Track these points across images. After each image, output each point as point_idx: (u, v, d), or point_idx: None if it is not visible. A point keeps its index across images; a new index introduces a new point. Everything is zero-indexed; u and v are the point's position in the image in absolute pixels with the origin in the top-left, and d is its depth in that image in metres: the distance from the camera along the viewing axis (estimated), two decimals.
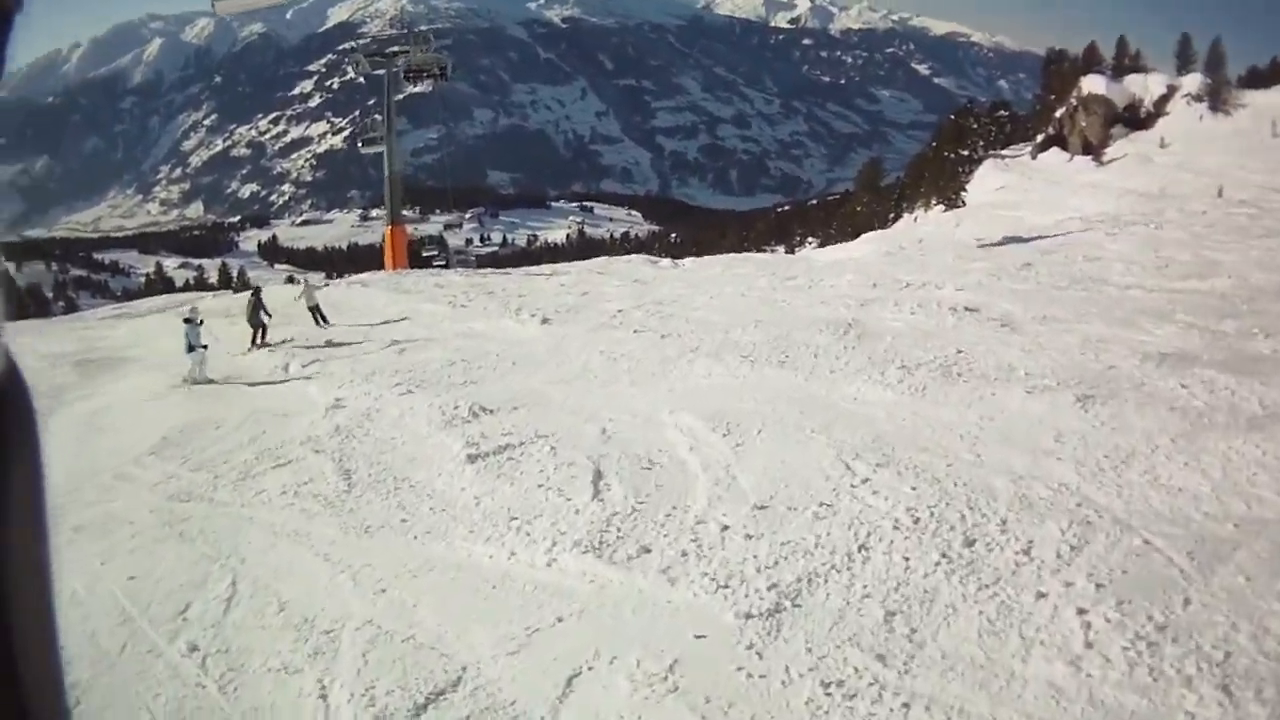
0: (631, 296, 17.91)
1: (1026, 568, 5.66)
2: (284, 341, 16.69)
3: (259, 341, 17.01)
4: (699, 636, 5.26)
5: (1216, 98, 52.35)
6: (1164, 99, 54.34)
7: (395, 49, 39.07)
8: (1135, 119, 52.39)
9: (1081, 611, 5.08)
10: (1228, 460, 7.06)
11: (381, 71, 38.12)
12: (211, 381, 14.13)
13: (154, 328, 19.43)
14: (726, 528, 6.66)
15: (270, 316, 17.50)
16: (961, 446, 7.93)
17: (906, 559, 5.85)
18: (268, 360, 15.34)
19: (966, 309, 13.14)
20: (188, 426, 11.03)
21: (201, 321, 14.77)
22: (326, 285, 24.77)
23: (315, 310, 18.73)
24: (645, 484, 7.86)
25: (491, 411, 10.73)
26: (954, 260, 17.40)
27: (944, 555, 5.83)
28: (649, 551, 6.40)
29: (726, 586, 5.74)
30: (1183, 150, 46.58)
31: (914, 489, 6.99)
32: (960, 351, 10.98)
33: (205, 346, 14.53)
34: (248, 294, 18.69)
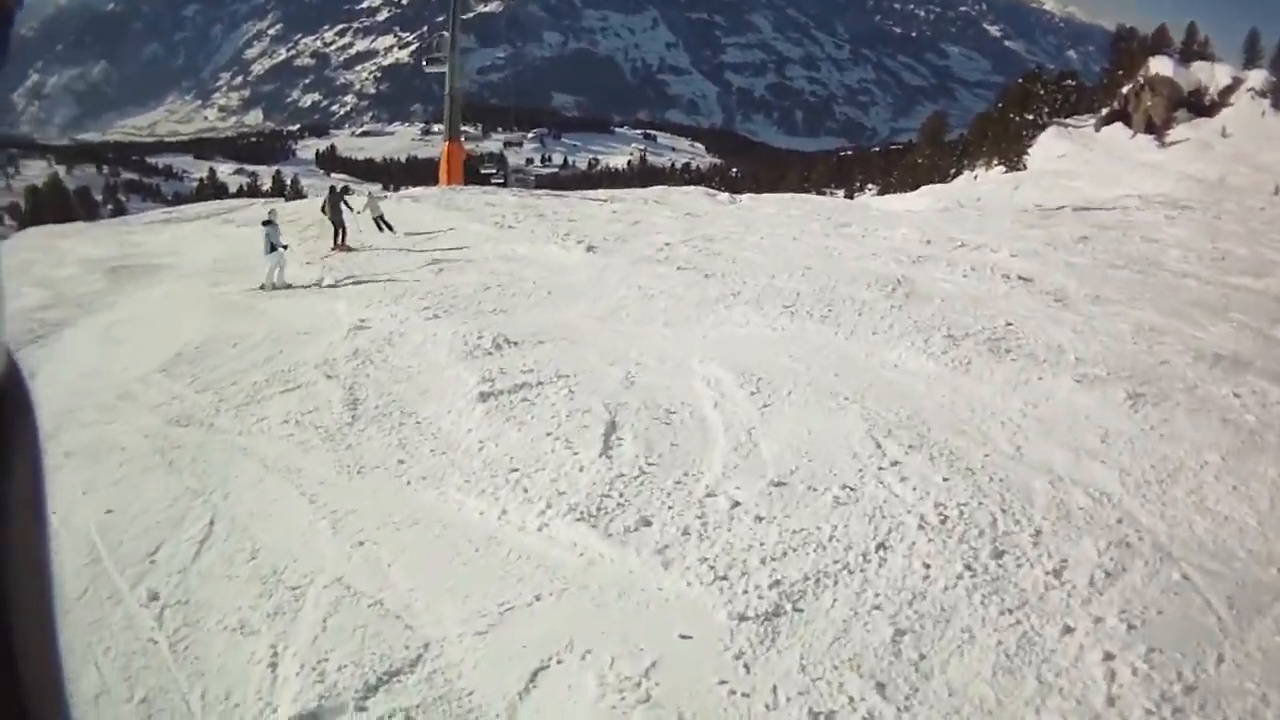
0: (682, 230, 16.97)
1: (1056, 593, 4.78)
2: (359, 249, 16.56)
3: (340, 243, 17.00)
4: (684, 637, 4.53)
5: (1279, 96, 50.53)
6: (1228, 90, 52.56)
7: None
8: (1199, 105, 50.88)
9: (1108, 657, 4.23)
10: (1277, 490, 6.02)
11: None
12: (290, 286, 13.94)
13: (196, 234, 19.19)
14: (737, 504, 5.87)
15: (355, 211, 17.64)
16: (1001, 435, 6.97)
17: (927, 566, 5.01)
18: (304, 273, 14.88)
19: (1020, 278, 11.98)
20: (205, 342, 10.60)
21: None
22: (385, 198, 24.32)
23: (380, 220, 18.73)
24: (660, 442, 7.10)
25: (516, 344, 10.08)
26: (1011, 225, 16.10)
27: (968, 567, 4.98)
28: (649, 525, 5.67)
29: (725, 578, 4.97)
30: (1243, 142, 44.56)
31: (945, 480, 6.09)
32: (1010, 324, 9.90)
33: (286, 247, 14.28)
34: (324, 196, 18.35)
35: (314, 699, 4.38)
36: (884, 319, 10.23)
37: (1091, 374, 8.14)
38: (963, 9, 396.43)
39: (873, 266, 13.09)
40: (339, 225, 17.01)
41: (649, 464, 6.64)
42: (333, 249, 16.84)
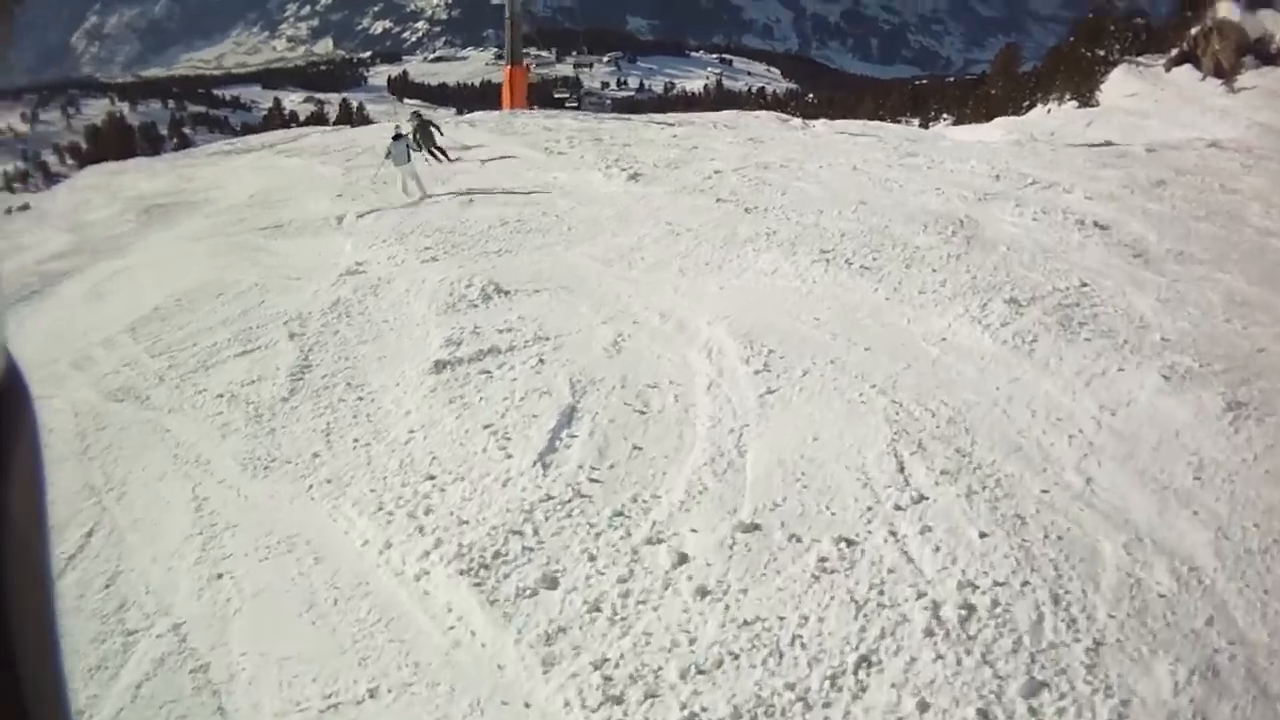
0: (738, 157, 14.81)
1: None
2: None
3: (446, 159, 16.40)
4: None
5: None
6: None
7: None
8: (1265, 53, 44.64)
9: None
10: None
11: None
12: (430, 197, 13.39)
13: (247, 166, 18.26)
14: (683, 561, 4.24)
15: (442, 134, 16.94)
16: (1068, 457, 4.99)
17: (924, 708, 3.28)
18: (331, 207, 13.70)
19: (1096, 224, 9.43)
20: (189, 293, 9.50)
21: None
22: (444, 121, 22.99)
23: (438, 150, 17.26)
24: (620, 443, 5.52)
25: (506, 294, 8.60)
26: (1084, 162, 13.38)
27: (984, 714, 3.23)
28: (553, 587, 4.15)
29: (619, 700, 3.42)
30: None
31: (983, 536, 4.22)
32: (1084, 285, 7.61)
33: (420, 149, 14.08)
34: (409, 127, 16.81)
35: None
36: (937, 273, 8.12)
37: (1181, 366, 5.91)
38: None
39: (934, 204, 10.79)
40: (432, 148, 16.16)
41: (592, 479, 5.09)
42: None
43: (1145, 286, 7.55)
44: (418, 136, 15.90)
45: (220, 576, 4.70)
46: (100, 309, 9.41)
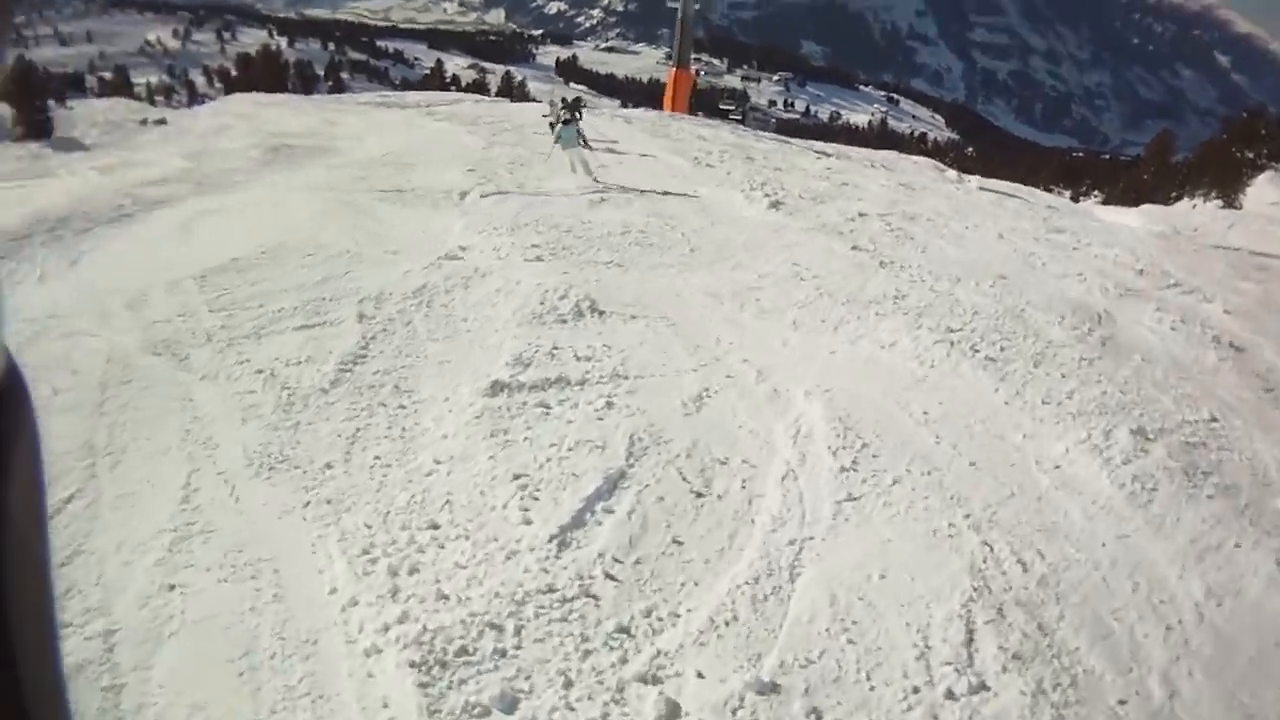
0: (887, 201, 13.86)
1: None
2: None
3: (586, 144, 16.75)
4: None
5: None
6: None
7: None
8: None
9: None
10: None
11: None
12: (598, 185, 13.59)
13: (394, 123, 18.52)
14: (674, 716, 3.45)
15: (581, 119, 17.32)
16: (1158, 658, 3.97)
17: None
18: (460, 180, 13.54)
19: (1232, 345, 8.44)
20: (275, 248, 9.34)
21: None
22: (586, 108, 23.04)
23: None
24: (658, 533, 4.74)
25: (601, 313, 8.02)
26: (1225, 269, 12.13)
27: None
28: (507, 711, 3.38)
29: None
30: None
31: None
32: (1214, 421, 6.67)
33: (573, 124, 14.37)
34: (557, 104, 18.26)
35: None
36: (1066, 378, 7.14)
37: None
38: (1196, 32, 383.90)
39: (1074, 291, 9.72)
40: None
41: (610, 574, 4.33)
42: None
43: (1273, 432, 6.58)
44: (565, 117, 16.02)
45: (173, 588, 4.22)
46: (181, 247, 9.37)
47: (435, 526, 4.72)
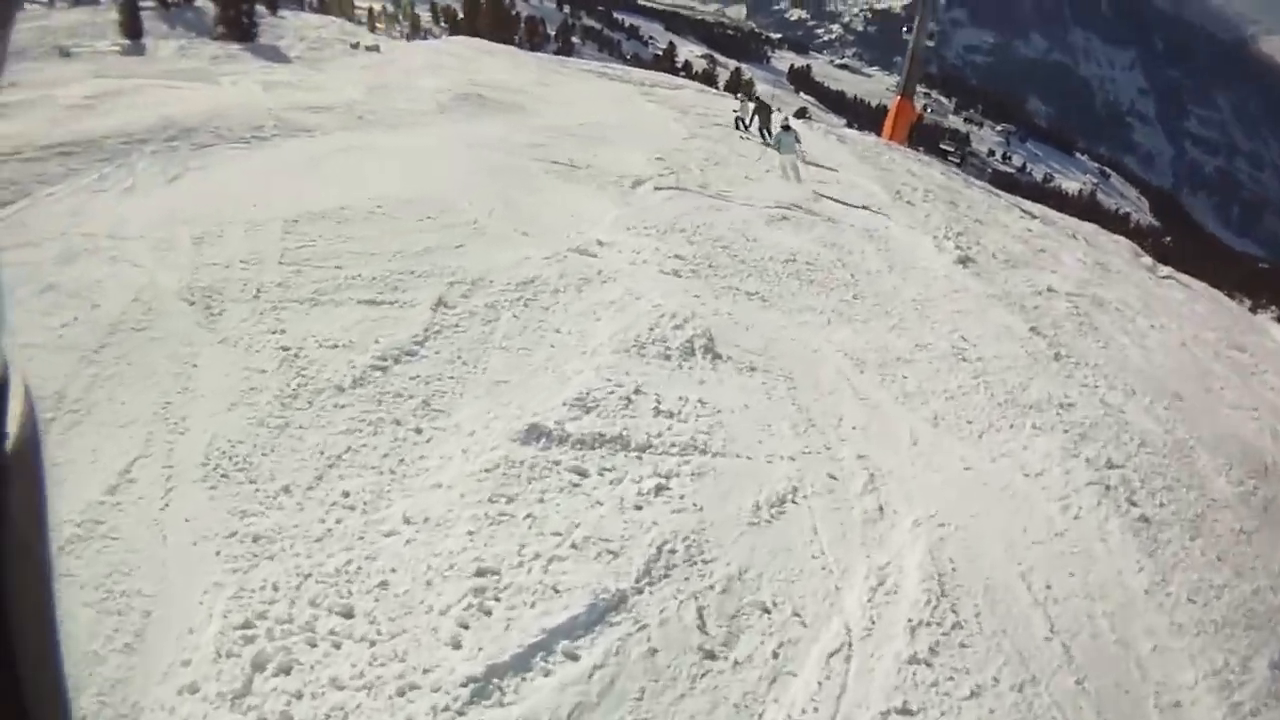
0: (1079, 280, 12.31)
1: None
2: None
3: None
4: None
5: None
6: None
7: None
8: None
9: None
10: None
11: None
12: (800, 180, 14.08)
13: (607, 96, 18.09)
14: None
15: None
16: None
17: None
18: (643, 167, 12.72)
19: None
20: (391, 204, 8.71)
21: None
22: (806, 121, 22.98)
23: (765, 128, 18.14)
24: (614, 709, 3.59)
25: (716, 356, 6.94)
26: None
27: None
28: None
29: None
30: None
31: None
32: None
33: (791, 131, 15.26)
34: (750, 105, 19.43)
35: None
36: (1220, 563, 5.70)
37: None
38: None
39: (1247, 430, 8.19)
40: (767, 132, 17.67)
41: None
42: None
43: None
44: (756, 115, 17.63)
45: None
46: (295, 184, 8.97)
47: (348, 615, 3.79)
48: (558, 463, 5.15)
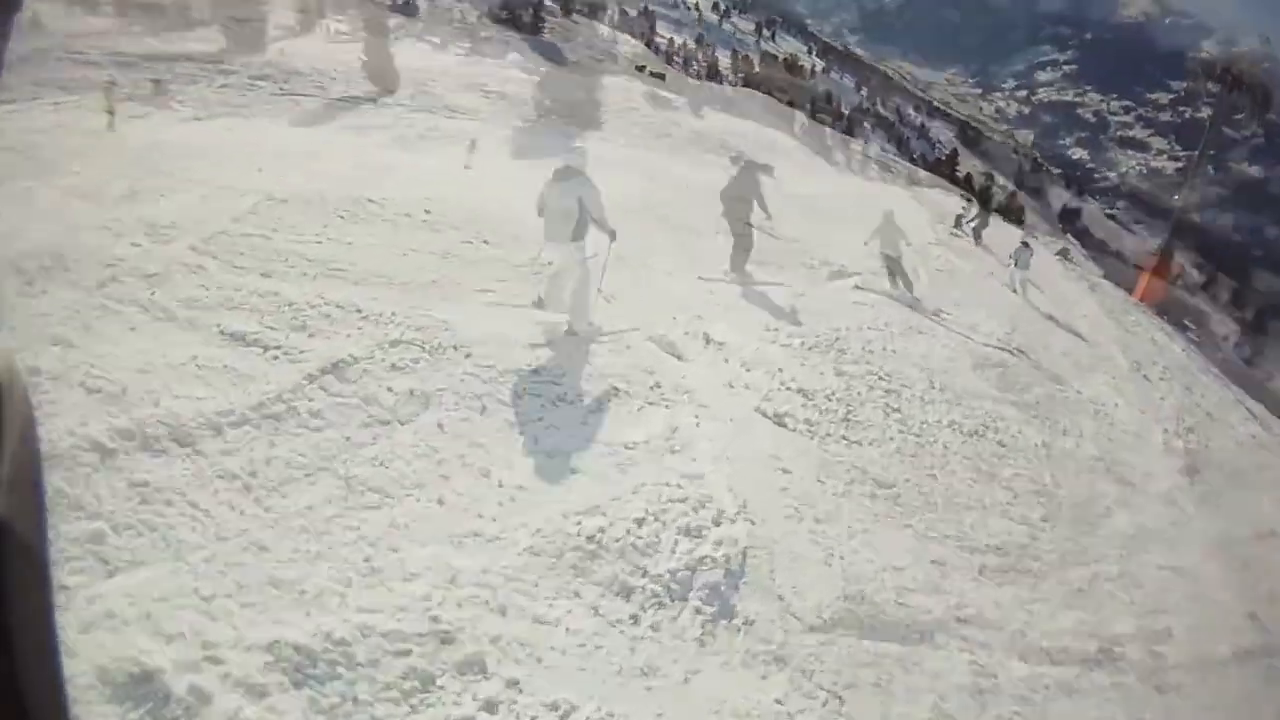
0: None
1: None
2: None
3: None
4: None
5: None
6: None
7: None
8: None
9: None
10: None
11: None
12: (1025, 297, 14.58)
13: (849, 189, 17.34)
14: None
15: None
16: None
17: None
18: (863, 261, 11.85)
19: None
20: (453, 221, 8.59)
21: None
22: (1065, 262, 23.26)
23: (979, 230, 18.55)
24: None
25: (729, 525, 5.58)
26: None
27: None
28: None
29: None
30: None
31: None
32: None
33: (1028, 250, 15.70)
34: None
35: None
36: None
37: None
38: None
39: None
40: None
41: None
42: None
43: None
44: (977, 218, 18.47)
45: None
46: (346, 167, 9.67)
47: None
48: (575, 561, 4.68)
